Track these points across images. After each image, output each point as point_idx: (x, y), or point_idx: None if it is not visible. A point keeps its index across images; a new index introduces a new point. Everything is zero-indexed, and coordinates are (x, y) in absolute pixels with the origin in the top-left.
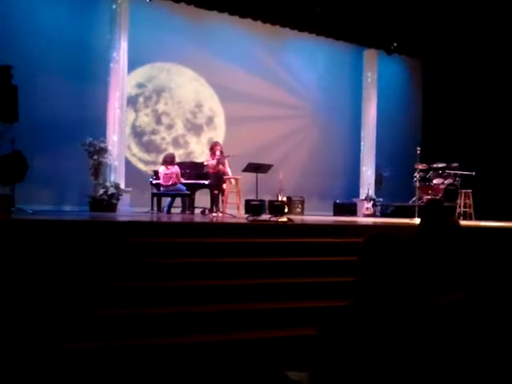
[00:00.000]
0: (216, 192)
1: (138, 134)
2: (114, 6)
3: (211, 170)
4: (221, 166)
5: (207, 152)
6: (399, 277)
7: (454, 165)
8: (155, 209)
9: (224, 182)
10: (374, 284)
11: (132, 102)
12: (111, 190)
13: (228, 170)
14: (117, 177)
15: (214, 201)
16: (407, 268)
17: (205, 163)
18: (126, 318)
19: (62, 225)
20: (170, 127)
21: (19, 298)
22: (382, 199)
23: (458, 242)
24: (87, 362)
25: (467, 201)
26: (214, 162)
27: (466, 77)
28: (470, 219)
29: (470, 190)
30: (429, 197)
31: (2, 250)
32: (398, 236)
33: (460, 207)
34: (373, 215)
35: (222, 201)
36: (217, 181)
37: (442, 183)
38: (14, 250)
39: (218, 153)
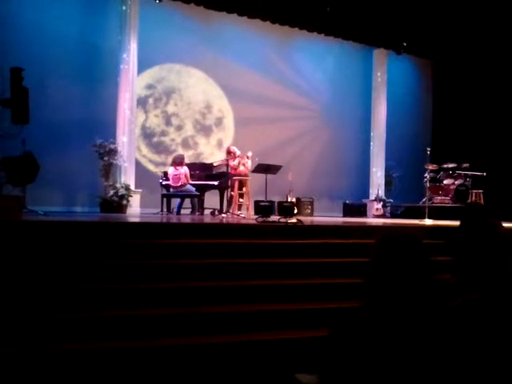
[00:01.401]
0: (232, 193)
1: (147, 135)
2: (123, 8)
3: (232, 171)
4: (242, 168)
5: (216, 153)
6: (412, 278)
7: (465, 165)
8: (165, 210)
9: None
10: (386, 285)
11: (142, 103)
12: (121, 191)
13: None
14: (127, 178)
15: (227, 202)
16: (421, 269)
17: (230, 163)
18: (134, 319)
19: (73, 226)
20: (179, 128)
21: (28, 298)
22: (391, 200)
23: (497, 247)
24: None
25: (478, 201)
26: (235, 162)
27: (477, 76)
28: None
29: (480, 191)
30: (439, 197)
31: (12, 250)
32: (412, 236)
33: None
34: (383, 216)
35: (232, 202)
36: (237, 182)
37: (453, 184)
38: (24, 250)
39: (238, 153)
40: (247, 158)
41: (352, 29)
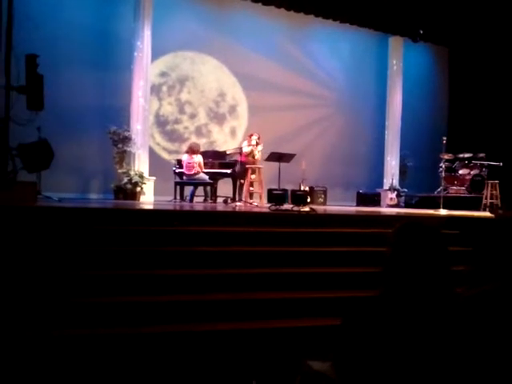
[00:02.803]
0: (242, 181)
1: (161, 122)
2: None
3: (243, 159)
4: (250, 157)
5: (229, 141)
6: (431, 268)
7: (481, 155)
8: (178, 197)
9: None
10: (403, 274)
11: (155, 90)
12: (135, 179)
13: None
14: (140, 165)
15: (238, 190)
16: (439, 259)
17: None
18: (148, 305)
19: (87, 212)
20: (193, 116)
21: (43, 283)
22: (406, 189)
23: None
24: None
25: (494, 192)
26: (248, 149)
27: (493, 64)
28: None
29: (496, 181)
30: (454, 188)
31: (27, 236)
32: (430, 225)
33: (486, 198)
34: (397, 206)
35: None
36: (244, 170)
37: (469, 174)
38: (39, 236)
39: (253, 142)
40: (257, 143)
41: (367, 16)
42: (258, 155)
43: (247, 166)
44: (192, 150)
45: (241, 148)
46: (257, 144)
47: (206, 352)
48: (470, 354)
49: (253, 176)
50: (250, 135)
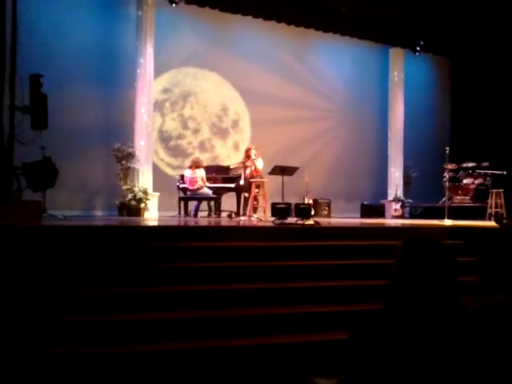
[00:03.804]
0: (246, 195)
1: (164, 138)
2: (139, 13)
3: (255, 173)
4: (249, 170)
5: (233, 155)
6: (437, 282)
7: (485, 164)
8: (182, 213)
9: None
10: (410, 288)
11: (159, 107)
12: (139, 195)
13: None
14: (144, 181)
15: (242, 204)
16: (445, 273)
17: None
18: (153, 322)
19: (91, 230)
20: (196, 131)
21: (47, 301)
22: (410, 200)
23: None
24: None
25: (498, 201)
26: (249, 163)
27: (495, 74)
28: None
29: (501, 190)
30: (458, 197)
31: (33, 255)
32: (438, 241)
33: (491, 207)
34: (401, 217)
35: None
36: (248, 184)
37: (473, 183)
38: (44, 255)
39: (253, 156)
40: (256, 155)
41: (367, 28)
42: (259, 166)
43: (251, 180)
44: (194, 165)
45: (244, 163)
46: (256, 156)
47: (209, 369)
48: (477, 366)
49: (256, 190)
50: (249, 149)
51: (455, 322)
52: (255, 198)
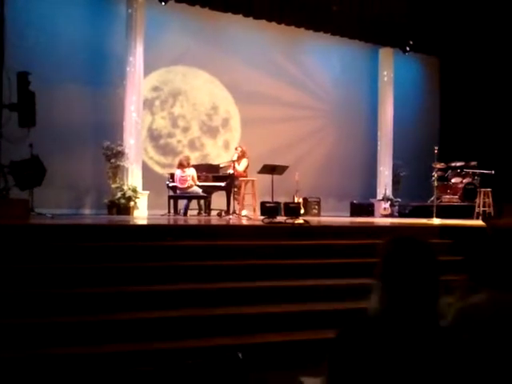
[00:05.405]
0: (236, 194)
1: (154, 137)
2: (129, 11)
3: (235, 173)
4: (236, 169)
5: (223, 154)
6: (420, 281)
7: (473, 163)
8: (172, 211)
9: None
10: (393, 288)
11: (148, 105)
12: (128, 193)
13: (241, 170)
14: (134, 180)
15: (231, 203)
16: (429, 273)
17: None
18: (141, 322)
19: (80, 229)
20: (185, 130)
21: (35, 301)
22: (399, 199)
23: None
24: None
25: (486, 200)
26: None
27: (484, 74)
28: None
29: (489, 189)
30: (447, 196)
31: (20, 254)
32: (421, 240)
33: (479, 207)
34: (390, 215)
35: (238, 203)
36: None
37: (461, 182)
38: (32, 253)
39: (235, 157)
40: (239, 156)
41: (358, 28)
42: (240, 168)
43: (240, 178)
44: (182, 164)
45: (233, 161)
46: (239, 157)
47: (199, 368)
48: (463, 365)
49: (246, 189)
50: (236, 148)
51: (431, 322)
52: (245, 197)
